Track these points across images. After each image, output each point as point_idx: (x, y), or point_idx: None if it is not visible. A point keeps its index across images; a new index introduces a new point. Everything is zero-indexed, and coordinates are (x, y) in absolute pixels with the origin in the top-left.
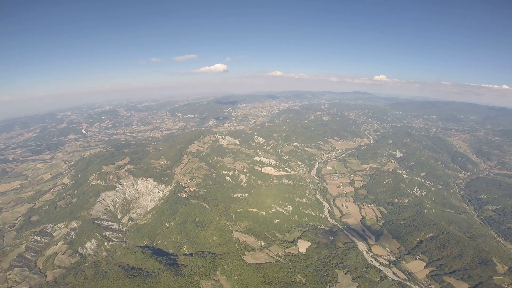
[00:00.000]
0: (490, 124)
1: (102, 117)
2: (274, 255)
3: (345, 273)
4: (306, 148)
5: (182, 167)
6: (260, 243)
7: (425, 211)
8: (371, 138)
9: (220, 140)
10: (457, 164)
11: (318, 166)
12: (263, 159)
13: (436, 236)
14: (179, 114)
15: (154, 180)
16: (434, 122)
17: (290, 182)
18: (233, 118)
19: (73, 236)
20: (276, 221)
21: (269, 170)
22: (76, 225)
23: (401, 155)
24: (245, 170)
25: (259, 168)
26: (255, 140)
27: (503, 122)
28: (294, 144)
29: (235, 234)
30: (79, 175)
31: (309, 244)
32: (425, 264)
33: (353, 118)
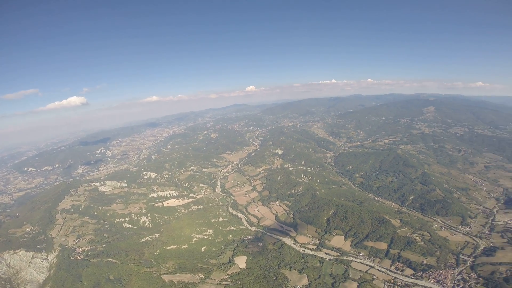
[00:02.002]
0: (333, 111)
1: None
2: (219, 281)
3: (290, 270)
4: (203, 169)
5: (60, 228)
6: (198, 275)
7: (317, 192)
8: (256, 144)
9: (99, 187)
10: (323, 147)
11: (220, 182)
12: (161, 193)
13: (336, 211)
14: (31, 169)
15: (26, 251)
16: (296, 118)
17: (199, 207)
18: (109, 159)
19: None
20: (203, 249)
21: (172, 202)
22: None
23: (282, 151)
24: (143, 211)
25: (160, 204)
26: (145, 176)
27: (340, 108)
28: (190, 168)
29: (166, 278)
30: None
31: (245, 257)
32: (343, 237)
33: (238, 130)
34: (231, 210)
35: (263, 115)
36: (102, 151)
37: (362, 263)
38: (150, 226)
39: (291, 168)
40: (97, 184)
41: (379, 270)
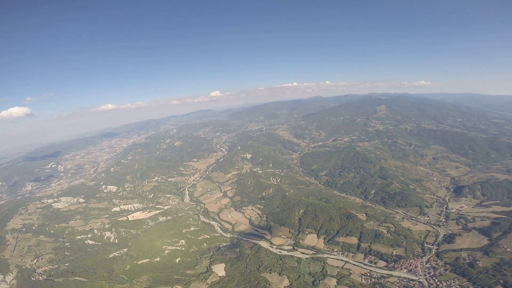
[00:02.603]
0: (296, 113)
1: None
2: None
3: (270, 273)
4: (169, 179)
5: (12, 248)
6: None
7: (287, 194)
8: (223, 149)
9: (53, 204)
10: (288, 149)
11: (189, 191)
12: (124, 207)
13: (307, 210)
14: None
15: None
16: (262, 122)
17: (168, 218)
18: (62, 174)
19: None
20: (177, 260)
21: (138, 215)
22: None
23: (251, 155)
24: (107, 226)
25: (124, 218)
26: (105, 190)
27: (302, 110)
28: (154, 179)
29: None
30: None
31: (223, 265)
32: (316, 235)
33: (203, 136)
34: (203, 219)
35: (230, 120)
36: (53, 166)
37: (337, 259)
38: (116, 241)
39: (260, 172)
40: (50, 201)
41: (354, 265)
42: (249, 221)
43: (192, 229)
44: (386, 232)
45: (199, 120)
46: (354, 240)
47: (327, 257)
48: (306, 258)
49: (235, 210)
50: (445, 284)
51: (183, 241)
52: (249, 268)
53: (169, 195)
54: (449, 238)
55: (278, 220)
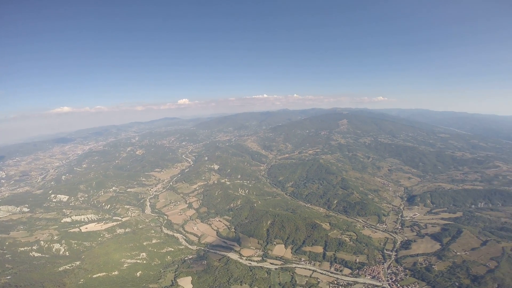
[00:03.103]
0: (264, 125)
1: None
2: None
3: (241, 285)
4: (128, 190)
5: None
6: None
7: (255, 205)
8: (189, 160)
9: None
10: (256, 160)
11: (150, 202)
12: (76, 217)
13: (274, 221)
14: None
15: None
16: (232, 132)
17: (127, 230)
18: (3, 181)
19: None
20: (138, 274)
21: (92, 227)
22: None
23: (218, 166)
24: (55, 237)
25: (76, 229)
26: (54, 200)
27: (271, 122)
28: (112, 189)
29: None
30: None
31: (190, 278)
32: (283, 245)
33: (168, 145)
34: (166, 231)
35: (197, 129)
36: None
37: (305, 268)
38: (67, 254)
39: (228, 183)
40: None
41: (321, 273)
42: (217, 232)
43: (154, 241)
44: (349, 240)
45: (164, 128)
46: (319, 249)
47: (295, 267)
48: (276, 269)
49: (201, 221)
50: None
51: (144, 254)
52: (218, 281)
53: (128, 206)
54: (406, 244)
55: (246, 231)
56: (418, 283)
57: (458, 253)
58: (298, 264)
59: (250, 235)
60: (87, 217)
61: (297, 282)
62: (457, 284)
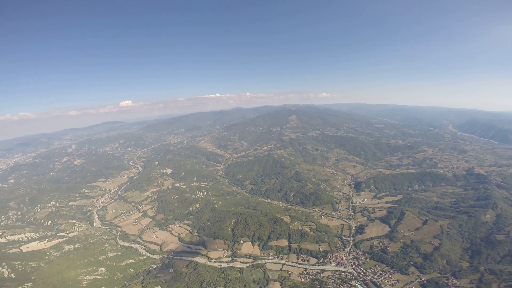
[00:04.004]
0: (218, 125)
1: None
2: None
3: None
4: (70, 203)
5: None
6: None
7: (216, 206)
8: (138, 166)
9: None
10: (213, 161)
11: (98, 215)
12: (13, 237)
13: (237, 220)
14: None
15: None
16: (183, 134)
17: (77, 246)
18: None
19: None
20: None
21: (35, 246)
22: None
23: (171, 170)
24: None
25: (16, 250)
26: None
27: (225, 121)
28: (50, 204)
29: None
30: None
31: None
32: (250, 243)
33: (112, 152)
34: (122, 243)
35: (144, 133)
36: None
37: (275, 263)
38: (13, 276)
39: (184, 186)
40: None
41: (291, 265)
42: (179, 238)
43: (111, 255)
44: (309, 230)
45: (105, 134)
46: (285, 243)
47: (265, 263)
48: (247, 267)
49: (160, 229)
50: (370, 271)
51: (102, 269)
52: (190, 287)
53: (73, 221)
54: (360, 229)
55: (211, 233)
56: (378, 265)
57: (405, 234)
58: (267, 259)
59: (215, 237)
60: (25, 236)
61: (270, 277)
62: (412, 263)
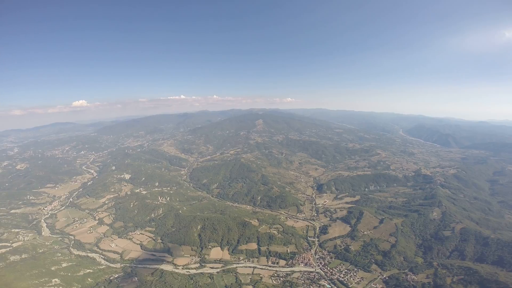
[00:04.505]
0: (182, 127)
1: None
2: None
3: None
4: (12, 211)
5: None
6: None
7: (180, 211)
8: (92, 171)
9: None
10: (176, 165)
11: (47, 223)
12: None
13: (204, 225)
14: None
15: None
16: (144, 137)
17: (24, 256)
18: None
19: None
20: None
21: None
22: None
23: (130, 175)
24: None
25: None
26: None
27: (189, 124)
28: None
29: None
30: None
31: None
32: (219, 247)
33: (62, 156)
34: (76, 252)
35: (100, 135)
36: None
37: (246, 267)
38: None
39: (144, 192)
40: None
41: (261, 268)
42: (141, 246)
43: (64, 265)
44: (277, 233)
45: (55, 136)
46: (254, 246)
47: (236, 267)
48: (218, 272)
49: (119, 237)
50: (336, 270)
51: (56, 279)
52: None
53: (16, 230)
54: (324, 229)
55: (176, 240)
56: (343, 264)
57: (365, 232)
58: (238, 263)
59: (181, 243)
60: None
61: (243, 282)
62: (373, 260)
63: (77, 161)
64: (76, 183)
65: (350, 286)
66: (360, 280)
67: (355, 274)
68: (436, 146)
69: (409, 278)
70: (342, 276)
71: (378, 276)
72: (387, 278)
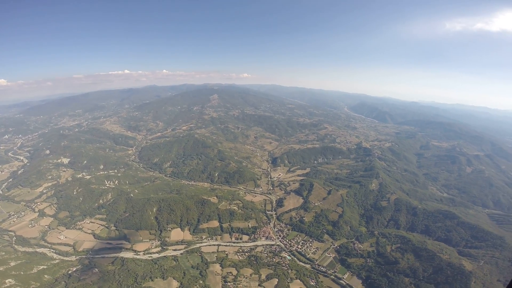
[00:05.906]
0: (127, 104)
1: None
2: None
3: (153, 280)
4: None
5: None
6: None
7: (131, 195)
8: (21, 157)
9: None
10: (122, 145)
11: None
12: None
13: (160, 207)
14: None
15: None
16: (82, 115)
17: None
18: None
19: None
20: None
21: None
22: None
23: (69, 159)
24: None
25: None
26: None
27: (135, 100)
28: None
29: None
30: None
31: None
32: (179, 228)
33: None
34: (22, 249)
35: (27, 116)
36: None
37: (210, 245)
38: None
39: (88, 177)
40: None
41: (226, 245)
42: (94, 235)
43: (13, 264)
44: (237, 209)
45: None
46: (215, 224)
47: (199, 247)
48: (182, 254)
49: (67, 228)
50: (294, 242)
51: (10, 280)
52: (124, 284)
53: None
54: (280, 203)
55: (131, 225)
56: (299, 235)
57: (316, 204)
58: (201, 243)
59: (138, 228)
60: None
61: (209, 260)
62: (325, 231)
63: (1, 147)
64: (3, 172)
65: (308, 257)
66: (316, 250)
67: (310, 244)
68: (375, 122)
69: (356, 247)
70: (300, 247)
71: (331, 245)
72: (338, 247)
